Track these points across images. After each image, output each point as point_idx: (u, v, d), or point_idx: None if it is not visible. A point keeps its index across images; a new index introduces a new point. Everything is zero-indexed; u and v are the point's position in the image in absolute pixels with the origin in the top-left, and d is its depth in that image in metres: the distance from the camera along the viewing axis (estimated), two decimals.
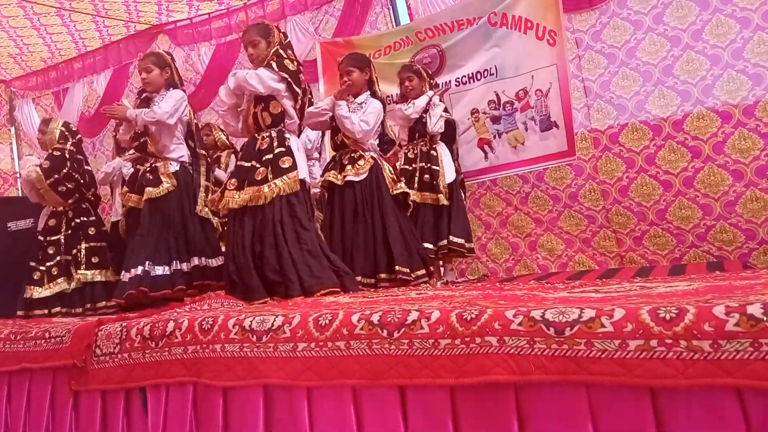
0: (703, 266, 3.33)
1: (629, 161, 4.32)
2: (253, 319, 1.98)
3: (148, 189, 3.42)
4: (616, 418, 1.37)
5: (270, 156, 3.05)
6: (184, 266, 3.42)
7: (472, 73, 4.63)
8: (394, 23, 5.25)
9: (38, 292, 3.93)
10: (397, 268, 3.35)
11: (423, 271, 3.47)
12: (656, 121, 4.23)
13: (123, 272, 3.39)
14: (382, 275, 3.39)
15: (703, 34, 4.11)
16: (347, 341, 1.74)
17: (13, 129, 7.07)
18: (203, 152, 3.70)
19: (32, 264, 4.03)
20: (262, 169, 3.03)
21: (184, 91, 3.67)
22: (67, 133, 4.24)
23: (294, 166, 3.06)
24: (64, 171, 4.07)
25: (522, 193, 4.74)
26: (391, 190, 3.53)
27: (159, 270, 3.33)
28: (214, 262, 3.53)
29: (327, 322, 1.81)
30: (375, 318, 1.73)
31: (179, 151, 3.57)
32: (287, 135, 3.14)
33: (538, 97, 4.34)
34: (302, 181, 3.09)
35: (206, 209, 3.56)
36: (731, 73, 4.02)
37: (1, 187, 6.87)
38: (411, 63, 4.36)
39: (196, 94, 5.99)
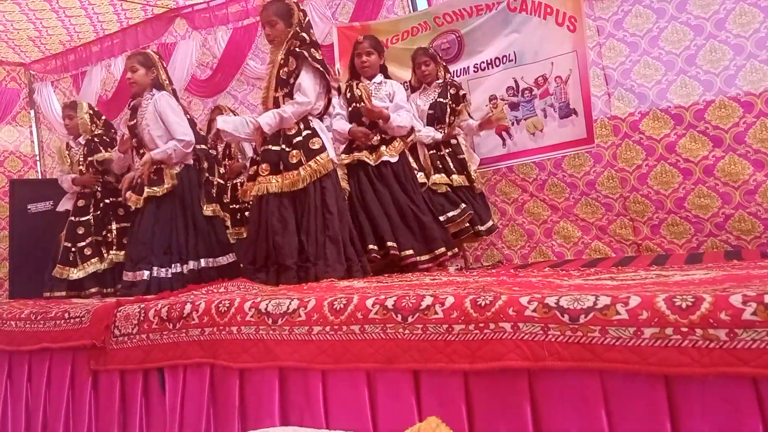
0: (720, 255, 3.30)
1: (649, 149, 4.27)
2: (269, 302, 2.00)
3: (148, 188, 3.43)
4: (629, 406, 1.37)
5: (300, 139, 3.06)
6: (192, 265, 3.43)
7: (491, 59, 4.58)
8: (411, 8, 5.21)
9: (74, 273, 3.96)
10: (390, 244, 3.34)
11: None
12: (677, 110, 4.17)
13: (125, 271, 3.40)
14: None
15: (727, 24, 4.04)
16: (362, 325, 1.75)
17: (32, 112, 7.13)
18: (203, 147, 3.67)
19: (67, 244, 4.05)
20: (295, 152, 3.04)
21: (174, 91, 3.65)
22: (95, 117, 4.29)
23: (324, 147, 3.09)
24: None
25: (539, 181, 4.71)
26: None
27: (163, 272, 3.34)
28: (224, 260, 3.55)
29: (342, 306, 1.83)
30: (389, 303, 1.74)
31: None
32: (309, 117, 3.14)
33: (558, 84, 4.29)
34: (331, 161, 3.12)
35: (212, 207, 3.55)
36: (754, 63, 3.95)
37: (21, 169, 6.95)
38: (425, 47, 4.30)
39: (213, 78, 6.00)
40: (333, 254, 2.96)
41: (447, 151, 3.99)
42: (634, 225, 4.36)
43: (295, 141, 3.06)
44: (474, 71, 4.65)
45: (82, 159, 4.13)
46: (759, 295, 1.25)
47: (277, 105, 3.11)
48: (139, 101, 3.58)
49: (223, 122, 3.19)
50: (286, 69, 3.08)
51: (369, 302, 1.78)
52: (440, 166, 3.91)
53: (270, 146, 3.10)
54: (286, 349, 1.88)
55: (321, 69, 3.10)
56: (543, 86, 4.36)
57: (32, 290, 4.20)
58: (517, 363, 1.48)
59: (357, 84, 3.61)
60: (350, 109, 3.58)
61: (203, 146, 3.66)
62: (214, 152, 3.74)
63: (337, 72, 5.00)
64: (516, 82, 4.48)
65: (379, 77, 3.64)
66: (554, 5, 4.25)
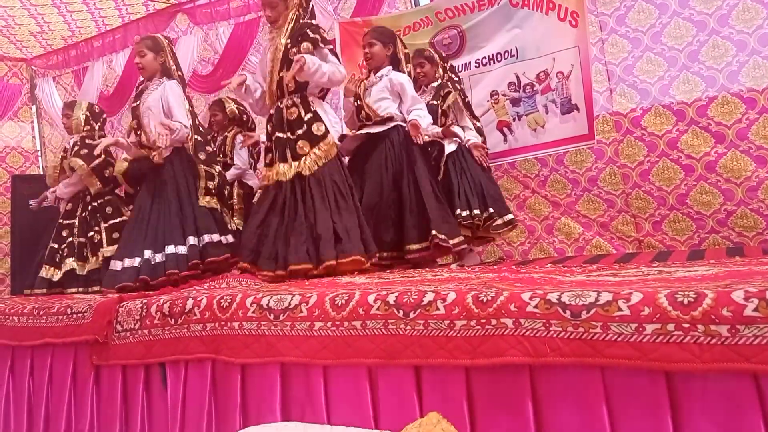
0: (722, 251, 3.29)
1: (651, 145, 4.26)
2: (271, 297, 2.00)
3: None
4: (631, 402, 1.37)
5: (303, 126, 3.06)
6: (181, 249, 3.35)
7: (493, 55, 4.57)
8: (413, 3, 5.20)
9: (57, 274, 3.99)
10: (433, 233, 3.28)
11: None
12: (680, 106, 4.16)
13: (113, 261, 3.37)
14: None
15: (730, 19, 4.03)
16: (363, 321, 1.76)
17: (34, 108, 7.13)
18: (200, 138, 3.59)
19: (53, 245, 4.09)
20: (300, 143, 3.05)
21: (181, 77, 3.63)
22: (91, 119, 4.28)
23: (327, 132, 3.09)
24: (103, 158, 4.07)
25: (540, 177, 4.70)
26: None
27: (159, 257, 3.30)
28: (223, 239, 3.46)
29: (343, 301, 1.83)
30: (391, 298, 1.74)
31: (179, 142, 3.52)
32: (310, 99, 3.14)
33: (560, 80, 4.29)
34: (335, 145, 3.12)
35: (207, 199, 3.48)
36: (757, 59, 3.94)
37: (23, 164, 6.95)
38: (422, 48, 4.26)
39: (214, 73, 5.99)
40: (352, 235, 2.96)
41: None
42: (636, 221, 4.36)
43: (298, 129, 3.06)
44: (475, 67, 4.64)
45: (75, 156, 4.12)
46: (761, 291, 1.25)
47: (281, 87, 3.09)
48: (147, 85, 3.57)
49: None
50: (296, 49, 3.04)
51: (371, 298, 1.78)
52: None
53: (278, 133, 3.10)
54: (288, 344, 1.89)
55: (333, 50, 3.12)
56: (545, 82, 4.35)
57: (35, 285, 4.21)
58: (518, 359, 1.48)
59: (360, 81, 3.62)
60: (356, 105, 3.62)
61: (198, 137, 3.58)
62: (209, 148, 3.68)
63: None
64: (518, 77, 4.47)
65: (385, 69, 3.60)
66: (557, 0, 4.24)
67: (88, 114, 4.27)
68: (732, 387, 1.27)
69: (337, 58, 3.18)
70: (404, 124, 3.52)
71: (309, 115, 3.08)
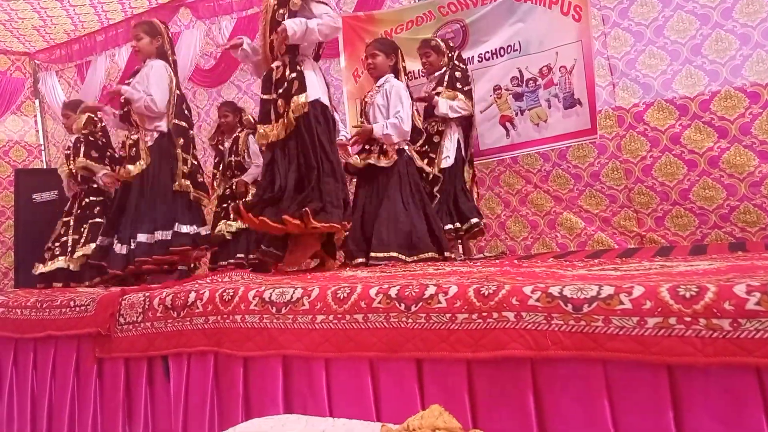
0: (724, 246, 3.29)
1: (654, 140, 4.25)
2: (273, 291, 2.00)
3: (128, 167, 3.47)
4: (632, 395, 1.37)
5: (284, 85, 2.98)
6: (168, 235, 3.42)
7: (496, 49, 4.56)
8: None
9: (42, 268, 4.01)
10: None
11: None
12: (683, 101, 4.15)
13: (117, 243, 3.41)
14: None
15: (733, 13, 4.01)
16: (365, 314, 1.76)
17: (37, 102, 7.14)
18: (184, 124, 3.62)
19: (49, 244, 4.13)
20: (280, 102, 2.98)
21: (174, 61, 3.65)
22: (95, 119, 4.29)
23: (302, 88, 2.96)
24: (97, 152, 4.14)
25: (543, 172, 4.70)
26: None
27: (160, 235, 3.37)
28: (186, 229, 3.50)
29: (345, 295, 1.83)
30: (393, 292, 1.74)
31: (158, 120, 3.55)
32: (300, 59, 3.06)
33: (563, 74, 4.28)
34: (314, 103, 3.00)
35: (183, 182, 3.51)
36: (761, 53, 3.92)
37: (26, 158, 6.97)
38: (429, 38, 4.27)
39: (216, 68, 6.00)
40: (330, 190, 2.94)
41: (424, 148, 3.94)
42: (638, 217, 4.35)
43: (280, 88, 2.99)
44: (478, 61, 4.63)
45: (70, 157, 4.15)
46: (763, 285, 1.25)
47: (272, 49, 3.04)
48: (142, 66, 3.61)
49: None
50: (283, 10, 2.98)
51: (372, 291, 1.78)
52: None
53: (264, 95, 3.07)
54: (290, 337, 1.89)
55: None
56: (547, 76, 4.34)
57: (38, 279, 4.23)
58: (520, 352, 1.48)
59: (364, 97, 3.64)
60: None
61: (183, 123, 3.60)
62: (191, 135, 3.71)
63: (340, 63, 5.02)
64: (520, 72, 4.47)
65: (383, 79, 3.62)
66: None
67: (90, 115, 4.25)
68: (734, 381, 1.27)
69: (327, 5, 3.10)
70: (408, 153, 3.60)
71: (293, 75, 2.99)
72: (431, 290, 1.68)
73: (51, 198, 4.97)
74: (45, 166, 6.96)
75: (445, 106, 3.85)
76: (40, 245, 4.24)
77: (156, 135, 3.54)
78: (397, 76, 3.66)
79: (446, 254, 3.42)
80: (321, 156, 2.95)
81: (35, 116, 7.14)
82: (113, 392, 2.39)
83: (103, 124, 4.33)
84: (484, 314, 1.55)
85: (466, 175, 4.08)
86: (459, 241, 4.09)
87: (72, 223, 4.11)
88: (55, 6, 5.69)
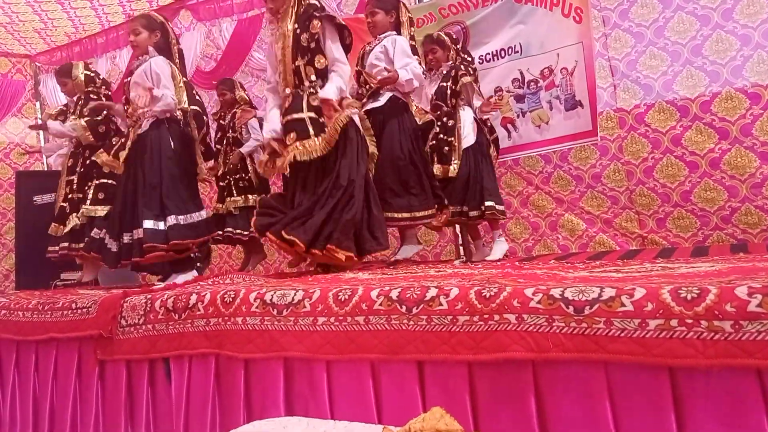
0: (726, 248, 3.29)
1: (655, 142, 4.25)
2: (274, 293, 2.00)
3: (121, 153, 3.38)
4: (633, 397, 1.37)
5: (315, 109, 3.02)
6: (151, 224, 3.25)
7: (497, 51, 4.56)
8: None
9: (62, 231, 4.05)
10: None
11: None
12: (683, 102, 4.15)
13: (151, 220, 3.24)
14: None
15: (734, 14, 4.01)
16: (366, 316, 1.76)
17: (38, 104, 7.15)
18: (196, 108, 3.52)
19: (62, 204, 4.15)
20: (311, 128, 3.01)
21: (180, 50, 3.59)
22: (92, 75, 4.30)
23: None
24: (104, 114, 4.10)
25: (544, 173, 4.70)
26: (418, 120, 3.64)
27: (181, 219, 3.28)
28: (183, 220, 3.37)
29: (346, 297, 1.83)
30: (394, 294, 1.74)
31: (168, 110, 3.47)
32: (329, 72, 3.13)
33: (564, 76, 4.28)
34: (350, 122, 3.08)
35: (202, 166, 3.47)
36: (761, 53, 3.92)
37: (27, 161, 6.97)
38: (431, 33, 4.22)
39: (217, 70, 6.00)
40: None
41: (441, 136, 3.85)
42: (640, 218, 4.35)
43: (312, 112, 3.04)
44: (479, 63, 4.62)
45: (78, 113, 4.14)
46: (764, 287, 1.25)
47: (299, 74, 3.06)
48: (139, 62, 3.55)
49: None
50: (306, 35, 3.02)
51: (374, 293, 1.78)
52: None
53: (293, 114, 3.05)
54: (291, 339, 1.89)
55: (341, 24, 3.11)
56: (548, 78, 4.34)
57: (39, 281, 4.23)
58: (521, 354, 1.48)
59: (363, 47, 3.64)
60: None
61: (196, 108, 3.51)
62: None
63: None
64: (521, 73, 4.47)
65: (385, 34, 3.57)
66: None
67: (87, 73, 4.26)
68: (735, 383, 1.27)
69: (340, 37, 3.15)
70: (399, 95, 3.56)
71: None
72: (432, 292, 1.68)
73: (52, 200, 4.96)
74: (46, 168, 6.96)
75: (405, 75, 3.62)
76: (42, 247, 4.25)
77: (147, 125, 3.41)
78: (399, 32, 3.62)
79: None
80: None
81: (36, 118, 7.14)
82: (115, 394, 2.40)
83: (102, 77, 4.36)
84: (486, 316, 1.55)
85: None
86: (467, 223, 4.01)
87: (76, 180, 4.11)
88: (56, 8, 5.70)
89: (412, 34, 3.73)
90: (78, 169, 4.14)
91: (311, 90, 3.06)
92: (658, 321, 1.32)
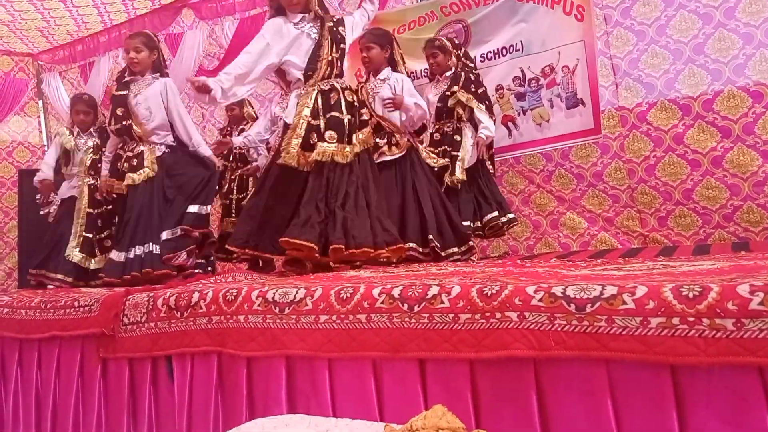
0: (728, 246, 3.29)
1: (657, 140, 4.25)
2: (276, 291, 2.01)
3: (131, 175, 3.50)
4: (635, 395, 1.37)
5: (354, 109, 3.10)
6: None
7: (498, 49, 4.56)
8: None
9: (93, 264, 3.92)
10: (429, 237, 3.39)
11: (456, 249, 3.47)
12: (685, 100, 4.14)
13: (115, 251, 3.48)
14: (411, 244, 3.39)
15: (736, 12, 4.00)
16: (368, 314, 1.76)
17: (40, 102, 7.15)
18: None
19: (88, 235, 3.97)
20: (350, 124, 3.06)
21: (167, 74, 3.75)
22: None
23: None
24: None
25: (545, 172, 4.70)
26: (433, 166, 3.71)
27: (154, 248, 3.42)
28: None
29: (348, 295, 1.83)
30: (396, 292, 1.74)
31: (164, 134, 3.63)
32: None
33: (565, 74, 4.27)
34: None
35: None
36: (764, 52, 3.92)
37: (30, 159, 6.98)
38: (433, 38, 4.25)
39: (220, 68, 5.98)
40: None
41: (443, 148, 3.92)
42: (641, 216, 4.35)
43: (351, 112, 3.11)
44: (481, 61, 4.62)
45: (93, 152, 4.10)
46: (766, 285, 1.25)
47: (331, 66, 3.08)
48: (135, 79, 3.64)
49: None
50: (342, 27, 3.18)
51: (375, 291, 1.79)
52: None
53: (335, 113, 3.05)
54: (293, 337, 1.89)
55: None
56: (550, 76, 4.34)
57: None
58: (522, 352, 1.48)
59: (362, 88, 3.62)
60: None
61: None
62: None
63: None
64: (523, 71, 4.46)
65: (386, 72, 3.61)
66: None
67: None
68: (737, 381, 1.27)
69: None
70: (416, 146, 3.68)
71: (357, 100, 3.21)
72: (434, 290, 1.68)
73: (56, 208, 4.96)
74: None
75: (411, 100, 3.66)
76: (45, 245, 4.23)
77: (165, 148, 3.62)
78: (395, 68, 3.66)
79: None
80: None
81: (39, 117, 7.14)
82: (117, 392, 2.40)
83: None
84: (487, 314, 1.55)
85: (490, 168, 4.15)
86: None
87: (105, 215, 4.05)
88: (59, 7, 5.70)
89: (408, 70, 3.84)
90: (104, 205, 4.04)
91: (341, 86, 3.14)
92: (660, 319, 1.32)
